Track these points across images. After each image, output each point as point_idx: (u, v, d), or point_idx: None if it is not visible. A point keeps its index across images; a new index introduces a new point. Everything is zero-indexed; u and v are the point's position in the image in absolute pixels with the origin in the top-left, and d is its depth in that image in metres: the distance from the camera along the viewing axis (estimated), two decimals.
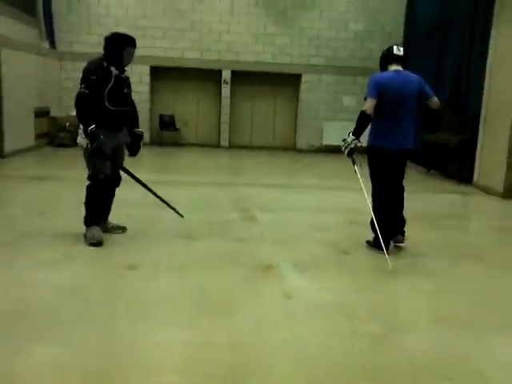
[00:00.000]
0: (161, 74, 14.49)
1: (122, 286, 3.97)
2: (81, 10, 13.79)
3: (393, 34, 14.24)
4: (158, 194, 5.37)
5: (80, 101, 4.79)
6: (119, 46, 4.92)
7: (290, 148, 15.01)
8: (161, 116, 14.74)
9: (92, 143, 4.78)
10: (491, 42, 8.98)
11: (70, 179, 8.04)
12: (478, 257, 5.15)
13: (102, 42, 5.01)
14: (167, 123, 14.75)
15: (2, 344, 2.99)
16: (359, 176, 5.01)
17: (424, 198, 8.34)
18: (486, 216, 7.39)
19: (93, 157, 4.92)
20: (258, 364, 2.92)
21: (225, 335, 3.22)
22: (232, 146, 14.82)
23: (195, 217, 6.21)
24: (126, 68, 5.12)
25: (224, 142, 14.88)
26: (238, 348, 3.08)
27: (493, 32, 8.93)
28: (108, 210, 5.37)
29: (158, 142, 14.58)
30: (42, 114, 12.55)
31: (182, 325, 3.33)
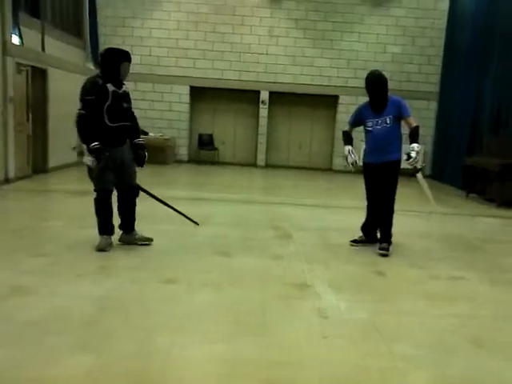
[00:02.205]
0: (200, 94, 14.76)
1: (159, 300, 4.03)
2: (125, 32, 14.22)
3: (431, 57, 14.23)
4: (183, 208, 5.48)
5: (79, 122, 4.95)
6: (116, 61, 5.00)
7: (327, 168, 15.00)
8: (200, 135, 14.97)
9: (98, 160, 4.93)
10: None
11: None
12: None
13: (99, 59, 5.07)
14: (206, 142, 14.97)
15: (41, 353, 3.07)
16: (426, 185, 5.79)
17: (463, 222, 8.21)
18: None
19: (97, 171, 5.05)
20: (293, 381, 2.92)
21: (260, 352, 3.23)
22: (268, 166, 14.92)
23: (231, 233, 6.27)
24: (124, 83, 5.19)
25: (261, 161, 14.99)
26: (273, 365, 3.08)
27: None
28: (129, 221, 5.44)
29: (196, 161, 14.79)
30: None
31: (217, 340, 3.36)
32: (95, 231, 5.38)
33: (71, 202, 7.96)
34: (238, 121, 15.29)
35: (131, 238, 5.47)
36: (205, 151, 14.90)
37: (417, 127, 5.53)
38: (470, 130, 11.62)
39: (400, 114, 5.54)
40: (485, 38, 11.19)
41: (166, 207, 5.70)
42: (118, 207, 5.43)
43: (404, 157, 5.50)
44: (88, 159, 4.97)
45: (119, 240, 5.48)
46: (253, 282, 4.57)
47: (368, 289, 4.61)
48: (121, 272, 4.66)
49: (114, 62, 5.00)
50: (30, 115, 10.14)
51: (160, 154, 12.87)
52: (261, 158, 15.01)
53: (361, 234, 5.95)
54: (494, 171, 9.62)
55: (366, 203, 5.91)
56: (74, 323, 3.51)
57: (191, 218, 5.60)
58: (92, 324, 3.52)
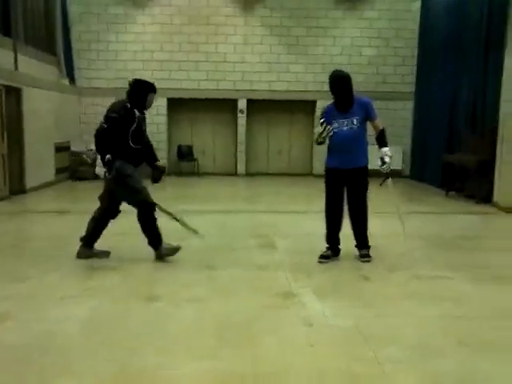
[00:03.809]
0: (178, 105, 14.72)
1: (143, 319, 3.99)
2: (99, 46, 14.15)
3: (406, 58, 14.38)
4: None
5: (98, 134, 5.24)
6: (143, 92, 5.35)
7: (307, 173, 15.04)
8: (179, 146, 14.91)
9: (109, 172, 5.20)
10: (505, 61, 8.97)
11: (89, 213, 8.12)
12: (500, 278, 5.08)
13: (127, 84, 5.38)
14: (185, 153, 14.91)
15: (24, 379, 3.02)
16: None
17: (443, 220, 8.29)
18: (507, 236, 7.28)
19: (137, 187, 5.30)
20: None
21: (247, 365, 3.22)
22: (249, 174, 14.91)
23: (215, 245, 6.24)
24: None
25: (241, 169, 14.98)
26: (261, 376, 3.08)
27: (506, 51, 8.94)
28: (98, 238, 5.56)
29: (176, 172, 14.72)
30: (62, 148, 12.80)
31: (203, 356, 3.33)
32: (76, 251, 5.34)
33: (51, 222, 7.86)
34: (217, 130, 15.27)
35: (91, 253, 5.55)
36: (184, 162, 14.84)
37: (383, 130, 5.46)
38: (447, 129, 11.74)
39: (367, 116, 5.41)
40: (457, 38, 11.33)
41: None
42: (102, 223, 5.56)
43: (378, 162, 5.37)
44: (101, 170, 5.20)
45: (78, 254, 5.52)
46: (238, 294, 4.56)
47: (352, 294, 4.62)
48: (104, 292, 4.60)
49: (142, 93, 5.36)
50: (5, 134, 10.00)
51: None
52: (241, 167, 14.99)
53: (325, 247, 5.65)
54: (472, 168, 9.74)
55: (325, 212, 5.59)
56: (57, 347, 3.46)
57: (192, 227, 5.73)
58: (75, 347, 3.47)
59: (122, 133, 5.22)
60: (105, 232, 5.61)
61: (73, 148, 13.37)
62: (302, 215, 8.56)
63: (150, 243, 5.47)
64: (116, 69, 13.95)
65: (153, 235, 5.44)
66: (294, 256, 5.84)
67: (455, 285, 4.87)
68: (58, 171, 12.56)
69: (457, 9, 11.49)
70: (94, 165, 12.93)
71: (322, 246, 5.64)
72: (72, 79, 13.70)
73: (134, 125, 5.28)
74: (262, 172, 15.06)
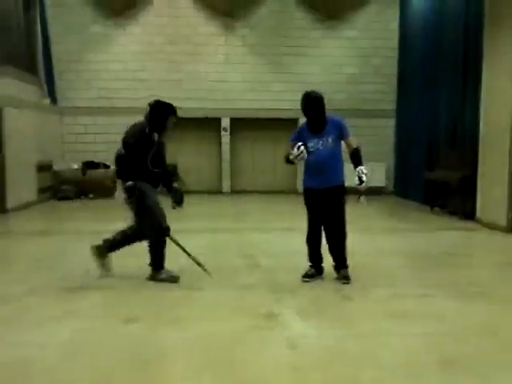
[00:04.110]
0: None
1: (123, 342, 3.90)
2: (80, 67, 14.10)
3: (385, 76, 14.53)
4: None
5: (117, 160, 5.29)
6: (164, 114, 5.28)
7: (292, 191, 15.03)
8: None
9: (130, 197, 5.21)
10: (483, 77, 9.11)
11: (72, 233, 8.06)
12: (484, 295, 5.08)
13: (147, 108, 5.30)
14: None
15: None
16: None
17: (428, 237, 8.32)
18: (491, 252, 7.32)
19: (154, 209, 5.31)
20: None
21: None
22: (234, 192, 14.89)
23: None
24: None
25: (226, 187, 14.97)
26: None
27: (484, 67, 9.08)
28: (116, 250, 5.54)
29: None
30: (44, 168, 12.67)
31: (186, 380, 3.27)
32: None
33: (32, 243, 7.72)
34: (201, 149, 15.26)
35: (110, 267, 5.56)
36: None
37: (358, 149, 5.42)
38: (428, 145, 11.83)
39: (340, 134, 5.40)
40: (435, 55, 11.51)
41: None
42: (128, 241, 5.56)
43: (356, 181, 5.32)
44: (120, 195, 5.29)
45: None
46: (221, 315, 4.50)
47: (335, 314, 4.59)
48: (84, 314, 4.51)
49: (162, 116, 5.29)
50: None
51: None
52: (226, 185, 14.99)
53: (308, 265, 5.61)
54: (453, 184, 9.82)
55: (307, 231, 5.59)
56: (35, 372, 3.37)
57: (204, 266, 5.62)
58: (54, 372, 3.37)
59: (141, 157, 5.18)
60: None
61: (55, 167, 13.25)
62: (287, 233, 8.52)
63: (152, 264, 5.43)
64: (97, 88, 13.90)
65: (157, 258, 5.40)
66: (279, 275, 5.80)
67: (438, 302, 4.86)
68: (41, 191, 12.42)
69: (434, 28, 11.69)
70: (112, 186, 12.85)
71: (307, 264, 5.61)
72: (53, 99, 13.62)
73: (154, 150, 5.22)
74: (247, 189, 15.05)
